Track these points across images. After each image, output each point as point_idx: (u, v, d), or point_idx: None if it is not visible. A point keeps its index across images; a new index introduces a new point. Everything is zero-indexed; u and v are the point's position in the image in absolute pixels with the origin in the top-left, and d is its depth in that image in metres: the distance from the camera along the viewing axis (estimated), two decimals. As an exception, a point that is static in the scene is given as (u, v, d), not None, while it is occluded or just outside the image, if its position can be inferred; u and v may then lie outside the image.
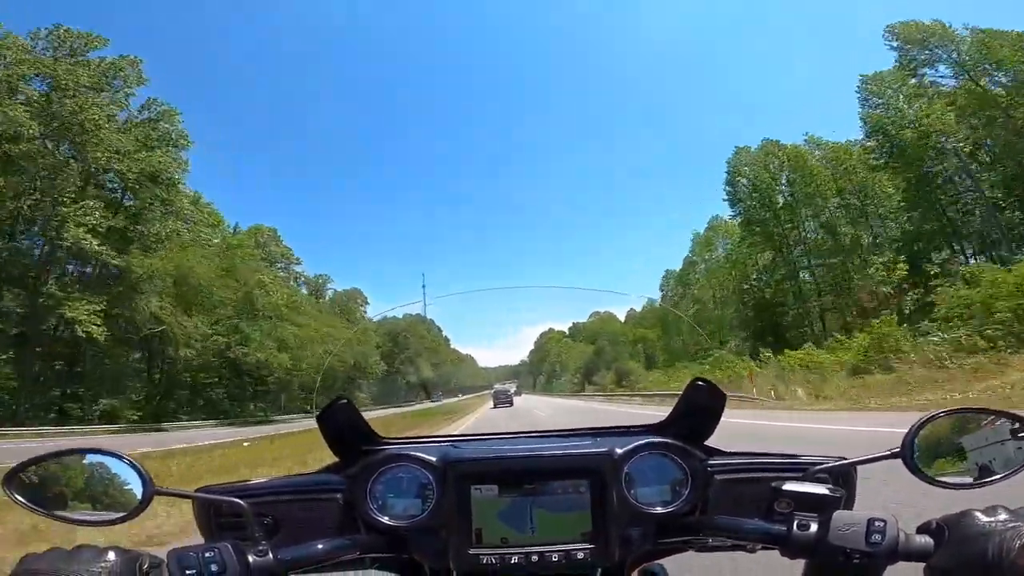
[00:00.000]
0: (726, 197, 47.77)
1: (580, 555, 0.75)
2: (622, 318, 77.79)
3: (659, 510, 0.79)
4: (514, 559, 0.75)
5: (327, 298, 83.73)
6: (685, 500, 0.80)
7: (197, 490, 0.79)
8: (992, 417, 0.74)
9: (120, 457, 0.72)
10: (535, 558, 0.75)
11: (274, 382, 47.22)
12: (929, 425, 0.73)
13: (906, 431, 0.72)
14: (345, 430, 0.89)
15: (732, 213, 47.59)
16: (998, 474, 0.72)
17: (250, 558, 0.65)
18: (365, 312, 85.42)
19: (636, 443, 0.81)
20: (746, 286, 51.32)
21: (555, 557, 0.75)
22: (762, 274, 47.86)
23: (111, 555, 0.59)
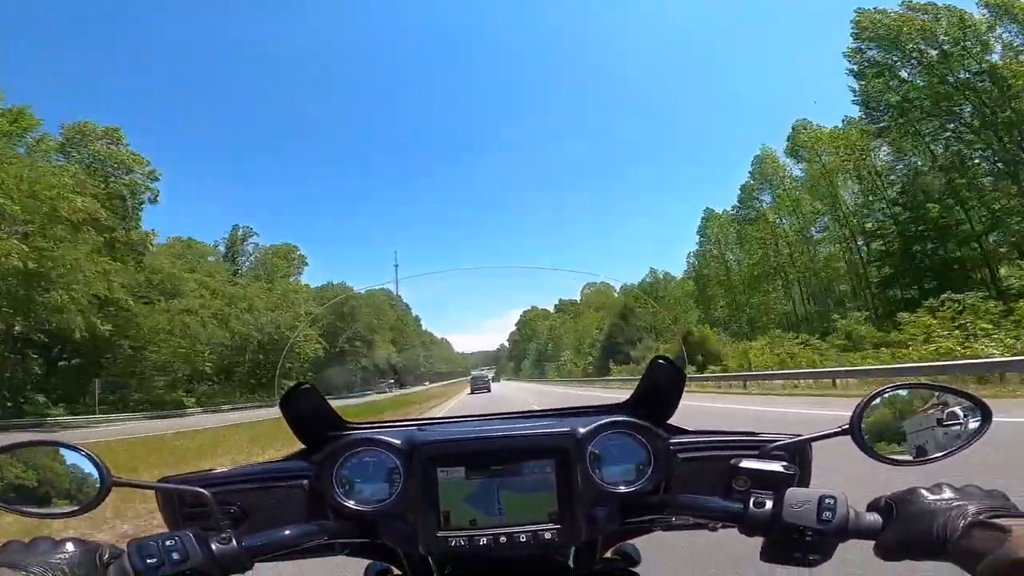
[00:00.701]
0: (851, 70, 33.95)
1: (547, 535, 0.79)
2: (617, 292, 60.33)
3: (623, 489, 0.84)
4: (482, 540, 0.79)
5: (250, 254, 61.02)
6: (649, 479, 0.85)
7: (159, 480, 0.83)
8: (938, 394, 0.80)
9: (76, 449, 0.76)
10: (503, 539, 0.79)
11: (121, 363, 32.41)
12: (878, 401, 0.79)
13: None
14: (309, 416, 0.94)
15: (858, 95, 34.10)
16: (938, 452, 0.77)
17: (213, 546, 0.68)
18: (300, 278, 64.26)
19: (599, 422, 0.87)
20: (882, 205, 31.24)
21: (523, 537, 0.79)
22: (915, 180, 28.30)
23: (69, 546, 0.62)
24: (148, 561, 0.63)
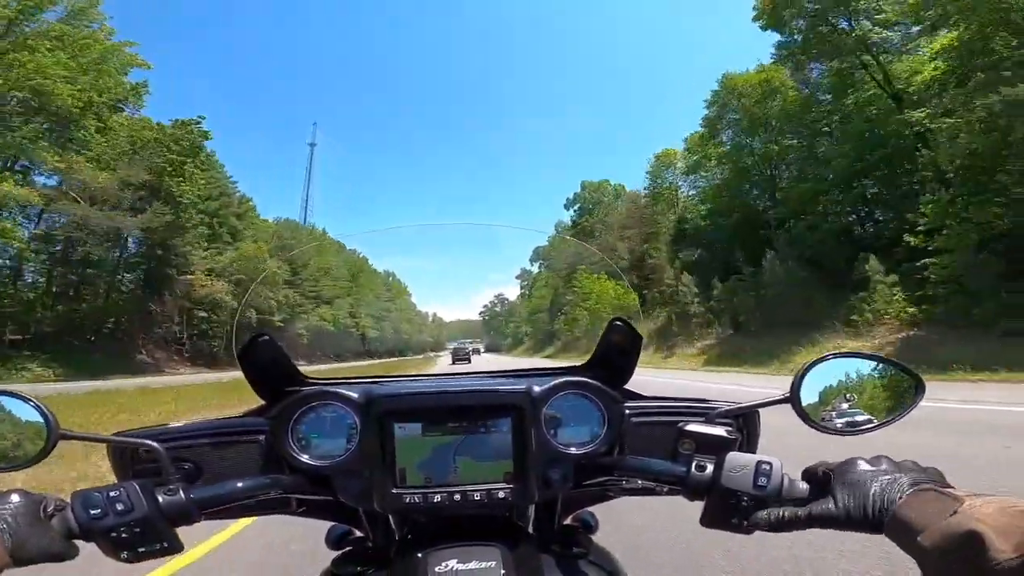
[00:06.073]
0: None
1: (501, 494, 0.79)
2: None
3: (575, 451, 0.84)
4: (437, 498, 0.79)
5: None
6: (602, 441, 0.85)
7: (111, 434, 0.80)
8: (874, 364, 0.81)
9: (24, 398, 0.73)
10: (457, 497, 0.79)
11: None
12: (816, 369, 0.79)
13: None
14: (267, 368, 0.90)
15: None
16: (875, 423, 0.78)
17: (160, 497, 0.68)
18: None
19: (555, 382, 0.87)
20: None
21: (477, 496, 0.79)
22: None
23: (14, 497, 0.62)
24: (92, 512, 0.63)
